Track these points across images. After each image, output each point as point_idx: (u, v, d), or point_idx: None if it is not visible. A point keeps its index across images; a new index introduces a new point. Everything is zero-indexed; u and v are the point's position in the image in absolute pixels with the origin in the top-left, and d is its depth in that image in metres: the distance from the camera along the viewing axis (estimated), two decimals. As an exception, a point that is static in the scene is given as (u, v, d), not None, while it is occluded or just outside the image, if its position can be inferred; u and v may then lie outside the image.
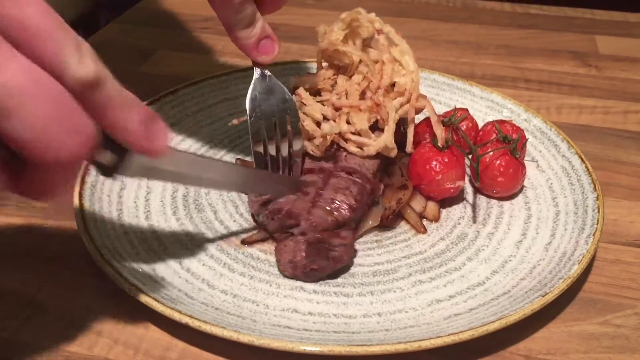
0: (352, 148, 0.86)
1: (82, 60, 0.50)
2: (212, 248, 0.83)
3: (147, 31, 1.46)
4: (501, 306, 0.72)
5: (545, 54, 1.44)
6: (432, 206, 0.90)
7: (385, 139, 0.85)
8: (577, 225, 0.84)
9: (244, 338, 0.65)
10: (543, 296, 0.71)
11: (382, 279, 0.79)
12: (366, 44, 0.91)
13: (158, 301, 0.68)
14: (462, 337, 0.66)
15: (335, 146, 0.87)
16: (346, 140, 0.86)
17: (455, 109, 1.00)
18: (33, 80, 0.47)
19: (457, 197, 0.92)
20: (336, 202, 0.80)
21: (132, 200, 0.89)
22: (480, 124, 1.03)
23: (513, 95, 1.20)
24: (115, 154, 0.61)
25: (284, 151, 0.85)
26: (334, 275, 0.78)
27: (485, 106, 1.11)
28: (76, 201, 0.82)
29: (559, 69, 1.37)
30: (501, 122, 1.00)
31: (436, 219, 0.90)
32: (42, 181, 0.52)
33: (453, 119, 0.97)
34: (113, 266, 0.73)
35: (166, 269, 0.78)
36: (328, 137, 0.85)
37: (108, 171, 0.62)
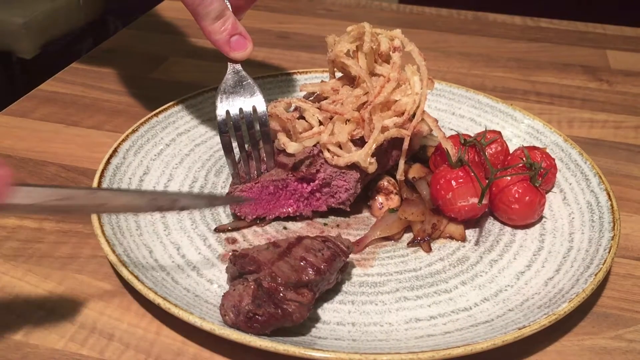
0: (327, 154, 0.86)
1: None
2: (212, 239, 0.85)
3: (159, 38, 1.50)
4: (476, 333, 0.70)
5: (556, 67, 1.41)
6: (452, 227, 0.88)
7: (358, 156, 0.84)
8: (583, 263, 0.79)
9: (207, 326, 0.67)
10: (520, 329, 0.68)
11: (367, 290, 0.79)
12: (384, 59, 0.91)
13: (139, 279, 0.72)
14: (421, 357, 0.64)
15: (317, 149, 0.87)
16: (327, 148, 0.86)
17: (485, 131, 0.98)
18: None
19: (470, 221, 0.90)
20: (305, 261, 0.72)
21: (152, 185, 0.93)
22: (514, 149, 0.99)
23: (524, 108, 1.17)
24: None
25: (253, 144, 0.85)
26: (281, 333, 0.69)
27: (525, 132, 1.07)
28: (96, 180, 0.88)
29: (570, 83, 1.34)
30: (533, 148, 0.96)
31: (463, 239, 0.87)
32: None
33: (481, 140, 0.95)
34: (107, 237, 0.77)
35: (163, 252, 0.81)
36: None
37: None
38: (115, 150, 0.94)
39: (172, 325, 0.72)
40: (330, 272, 0.73)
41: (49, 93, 1.22)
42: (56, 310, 0.75)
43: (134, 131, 0.99)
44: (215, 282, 0.78)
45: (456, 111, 1.15)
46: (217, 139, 1.05)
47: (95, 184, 0.87)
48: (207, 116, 1.09)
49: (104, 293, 0.77)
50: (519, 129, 1.08)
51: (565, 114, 1.22)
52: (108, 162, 0.92)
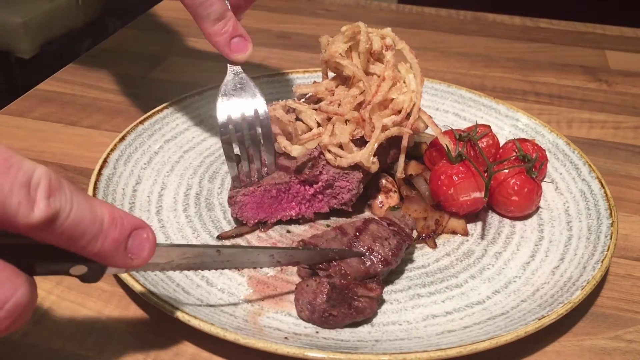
0: (328, 155, 0.85)
1: (32, 204, 0.46)
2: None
3: (159, 38, 1.48)
4: (496, 326, 0.71)
5: (555, 68, 1.43)
6: (455, 222, 0.88)
7: (361, 156, 0.84)
8: (587, 251, 0.81)
9: (230, 336, 0.65)
10: (539, 319, 0.69)
11: (380, 289, 0.79)
12: (376, 58, 0.91)
13: (153, 294, 0.70)
14: (449, 354, 0.65)
15: (317, 150, 0.87)
16: (328, 149, 0.85)
17: (476, 125, 0.99)
18: None
19: (469, 215, 0.90)
20: (373, 253, 0.74)
21: (146, 195, 0.91)
22: (504, 142, 1.01)
23: (523, 108, 1.19)
24: (91, 266, 0.55)
25: (254, 147, 0.85)
26: (353, 325, 0.73)
27: (510, 124, 1.09)
28: (90, 191, 0.85)
29: (569, 83, 1.36)
30: (523, 140, 0.98)
31: (466, 233, 0.88)
32: None
33: (473, 135, 0.96)
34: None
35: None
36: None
37: (89, 280, 0.57)
38: (105, 161, 0.91)
39: (170, 325, 0.71)
40: (396, 260, 0.76)
41: (47, 92, 1.19)
42: (55, 310, 0.74)
43: (121, 140, 0.96)
44: (226, 291, 0.76)
45: (440, 107, 1.16)
46: (206, 144, 1.05)
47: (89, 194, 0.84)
48: (194, 121, 1.07)
49: (103, 293, 0.76)
50: (503, 122, 1.10)
51: (565, 114, 1.23)
52: (100, 174, 0.89)
